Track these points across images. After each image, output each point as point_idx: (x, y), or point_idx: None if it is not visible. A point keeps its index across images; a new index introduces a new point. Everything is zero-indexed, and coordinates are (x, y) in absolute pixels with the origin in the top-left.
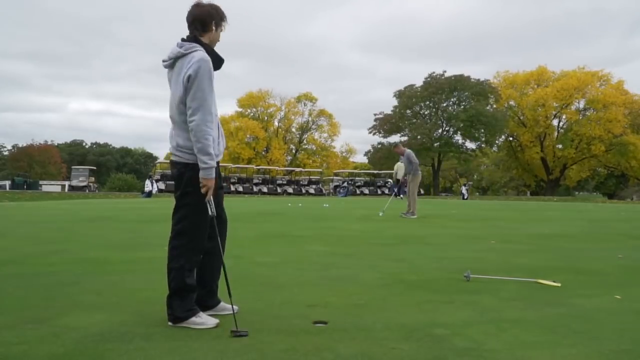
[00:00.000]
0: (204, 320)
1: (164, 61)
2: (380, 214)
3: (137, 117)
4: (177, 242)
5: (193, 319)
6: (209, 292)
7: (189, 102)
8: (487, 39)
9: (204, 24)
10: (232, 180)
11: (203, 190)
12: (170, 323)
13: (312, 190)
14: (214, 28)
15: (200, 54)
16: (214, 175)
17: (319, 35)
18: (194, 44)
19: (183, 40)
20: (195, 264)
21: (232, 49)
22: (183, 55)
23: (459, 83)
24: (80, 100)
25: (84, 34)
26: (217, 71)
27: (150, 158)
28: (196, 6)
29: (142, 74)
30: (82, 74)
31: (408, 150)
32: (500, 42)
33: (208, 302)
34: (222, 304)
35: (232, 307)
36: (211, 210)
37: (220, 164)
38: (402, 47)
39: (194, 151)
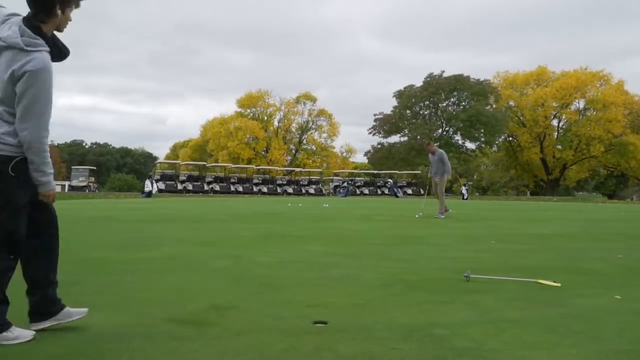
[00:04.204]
0: (17, 334)
1: None
2: (418, 215)
3: (134, 113)
4: None
5: (5, 334)
6: (44, 298)
7: (21, 110)
8: (527, 22)
9: (46, 7)
10: (232, 180)
11: (49, 202)
12: None
13: (312, 190)
14: (59, 12)
15: (44, 59)
16: (53, 186)
17: (334, 18)
18: (39, 41)
19: (23, 24)
20: (6, 270)
21: (237, 39)
22: (22, 51)
23: (459, 83)
24: (70, 95)
25: (75, 18)
26: (196, 64)
27: (150, 158)
28: None
29: (141, 65)
30: (73, 64)
31: (440, 150)
32: (543, 24)
33: (45, 310)
34: (66, 309)
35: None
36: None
37: (216, 164)
38: (427, 32)
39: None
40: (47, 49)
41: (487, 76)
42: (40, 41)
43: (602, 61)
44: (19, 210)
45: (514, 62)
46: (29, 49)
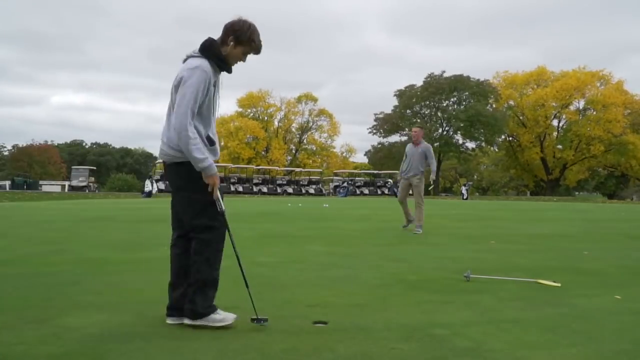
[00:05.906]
0: (224, 316)
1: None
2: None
3: (132, 111)
4: (205, 236)
5: (213, 315)
6: (183, 295)
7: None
8: (540, 16)
9: (223, 35)
10: (232, 180)
11: (209, 189)
12: (187, 321)
13: (312, 190)
14: (231, 43)
15: (198, 61)
16: (214, 172)
17: (339, 12)
18: (198, 53)
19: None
20: (219, 260)
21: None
22: (185, 60)
23: (459, 83)
24: (66, 93)
25: (71, 12)
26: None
27: (150, 158)
28: (233, 19)
29: (139, 61)
30: (70, 60)
31: (428, 144)
32: (555, 19)
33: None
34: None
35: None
36: (219, 206)
37: (216, 164)
38: (436, 26)
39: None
40: (205, 58)
41: (497, 73)
42: (199, 53)
43: (610, 59)
44: None
45: (526, 58)
46: (187, 57)
